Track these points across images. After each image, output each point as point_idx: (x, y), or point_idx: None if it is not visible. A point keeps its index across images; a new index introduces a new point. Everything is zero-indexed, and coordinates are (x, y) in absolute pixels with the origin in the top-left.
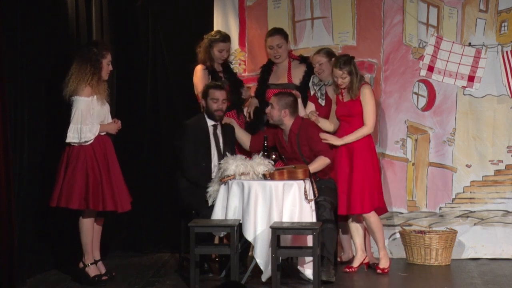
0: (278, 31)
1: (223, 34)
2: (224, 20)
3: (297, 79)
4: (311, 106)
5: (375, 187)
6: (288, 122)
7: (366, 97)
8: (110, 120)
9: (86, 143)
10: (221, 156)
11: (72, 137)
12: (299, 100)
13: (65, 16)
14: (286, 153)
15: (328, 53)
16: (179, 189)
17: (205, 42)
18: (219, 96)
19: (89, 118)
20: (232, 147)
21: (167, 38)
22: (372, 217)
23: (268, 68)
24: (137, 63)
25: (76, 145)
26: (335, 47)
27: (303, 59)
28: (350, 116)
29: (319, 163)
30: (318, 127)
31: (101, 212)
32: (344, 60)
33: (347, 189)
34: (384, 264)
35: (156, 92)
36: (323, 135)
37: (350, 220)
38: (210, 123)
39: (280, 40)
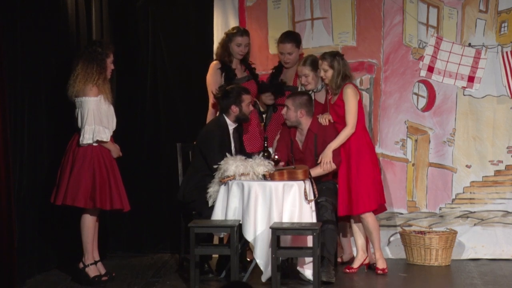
0: (290, 39)
1: (241, 28)
2: (224, 21)
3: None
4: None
5: (375, 184)
6: (305, 122)
7: (348, 96)
8: (115, 121)
9: (96, 143)
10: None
11: (88, 138)
12: None
13: (65, 16)
14: (298, 153)
15: (313, 63)
16: (190, 188)
17: (224, 37)
18: (251, 99)
19: (100, 117)
20: (243, 147)
21: (167, 38)
22: (369, 217)
23: (279, 69)
24: (137, 63)
25: (87, 145)
26: (335, 48)
27: None
28: (339, 118)
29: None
30: (336, 129)
31: (101, 211)
32: (329, 53)
33: (347, 189)
34: (381, 264)
35: (156, 92)
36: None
37: (352, 220)
38: (231, 126)
39: (291, 49)
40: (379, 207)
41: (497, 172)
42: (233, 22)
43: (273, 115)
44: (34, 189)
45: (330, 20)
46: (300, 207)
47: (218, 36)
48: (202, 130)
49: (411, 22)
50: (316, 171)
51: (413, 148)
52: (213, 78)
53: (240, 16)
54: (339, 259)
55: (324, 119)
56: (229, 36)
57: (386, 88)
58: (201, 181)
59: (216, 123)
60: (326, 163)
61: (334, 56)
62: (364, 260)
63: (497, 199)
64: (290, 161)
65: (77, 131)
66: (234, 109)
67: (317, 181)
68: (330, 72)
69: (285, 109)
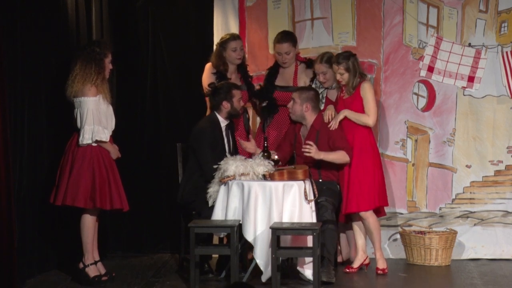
0: (287, 38)
1: (232, 33)
2: (224, 21)
3: (302, 83)
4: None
5: (375, 185)
6: (310, 117)
7: (366, 91)
8: (114, 120)
9: (95, 143)
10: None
11: (87, 138)
12: None
13: (65, 16)
14: (300, 148)
15: (329, 60)
16: (189, 188)
17: (217, 48)
18: (241, 94)
19: (99, 117)
20: (235, 145)
21: (167, 38)
22: (370, 218)
23: (275, 69)
24: (137, 63)
25: (87, 145)
26: (335, 48)
27: (310, 64)
28: None
29: (339, 156)
30: (339, 127)
31: (101, 211)
32: (343, 56)
33: (346, 187)
34: (382, 264)
35: (156, 92)
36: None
37: (353, 220)
38: (223, 123)
39: (288, 48)
40: (377, 212)
41: (497, 172)
42: (233, 22)
43: (274, 116)
44: (34, 189)
45: (330, 20)
46: (300, 207)
47: (218, 36)
48: (194, 128)
49: (411, 22)
50: (330, 157)
51: (413, 148)
52: (209, 80)
53: (240, 16)
54: (339, 259)
55: (327, 116)
56: (222, 44)
57: (386, 88)
58: (199, 181)
59: (207, 120)
60: (336, 123)
61: (348, 58)
62: (364, 260)
63: (497, 199)
64: (293, 155)
65: (76, 131)
66: (226, 105)
67: (319, 181)
68: (346, 75)
69: (291, 102)
